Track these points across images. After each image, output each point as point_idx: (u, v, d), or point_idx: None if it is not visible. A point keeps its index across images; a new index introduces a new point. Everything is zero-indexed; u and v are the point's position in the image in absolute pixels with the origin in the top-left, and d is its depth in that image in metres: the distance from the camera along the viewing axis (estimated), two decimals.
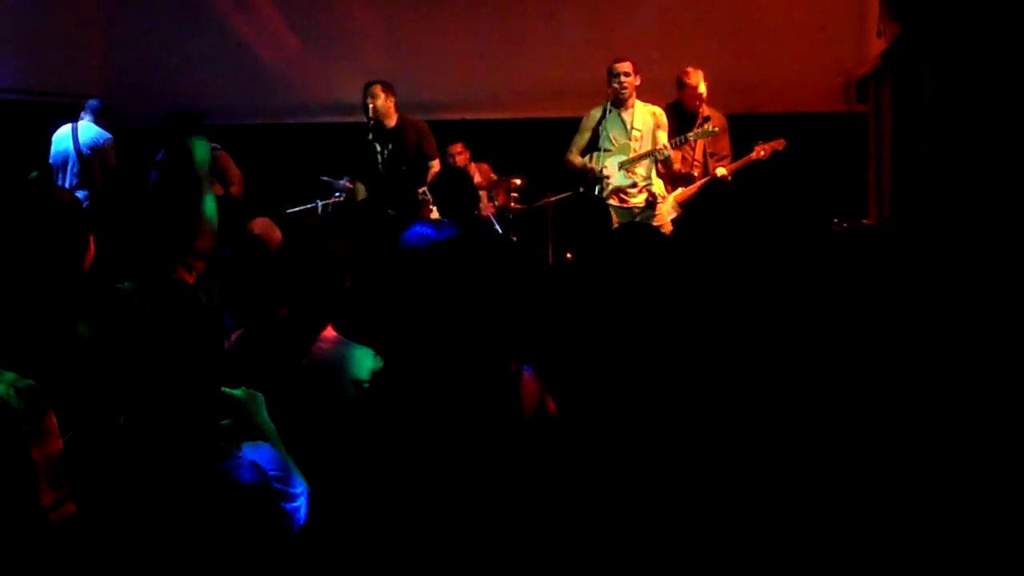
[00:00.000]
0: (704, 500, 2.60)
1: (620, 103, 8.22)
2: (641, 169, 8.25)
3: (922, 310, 3.37)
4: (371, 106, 8.12)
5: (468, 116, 10.46)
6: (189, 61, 10.98)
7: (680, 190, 8.57)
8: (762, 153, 8.40)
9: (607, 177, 8.21)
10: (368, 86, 8.23)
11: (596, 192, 8.11)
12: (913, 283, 3.64)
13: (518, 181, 9.64)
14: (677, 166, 8.36)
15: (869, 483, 2.52)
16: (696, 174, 8.56)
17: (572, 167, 8.42)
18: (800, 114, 9.27)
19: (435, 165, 8.23)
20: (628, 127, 8.24)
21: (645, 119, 8.26)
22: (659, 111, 8.31)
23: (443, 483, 2.69)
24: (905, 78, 7.86)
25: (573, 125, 8.77)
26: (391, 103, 8.23)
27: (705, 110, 8.55)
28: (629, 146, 8.22)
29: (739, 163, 8.46)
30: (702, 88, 8.48)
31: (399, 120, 8.25)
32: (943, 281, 3.61)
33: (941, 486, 2.48)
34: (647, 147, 8.20)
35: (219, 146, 8.59)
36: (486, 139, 10.28)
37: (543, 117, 10.26)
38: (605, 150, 8.24)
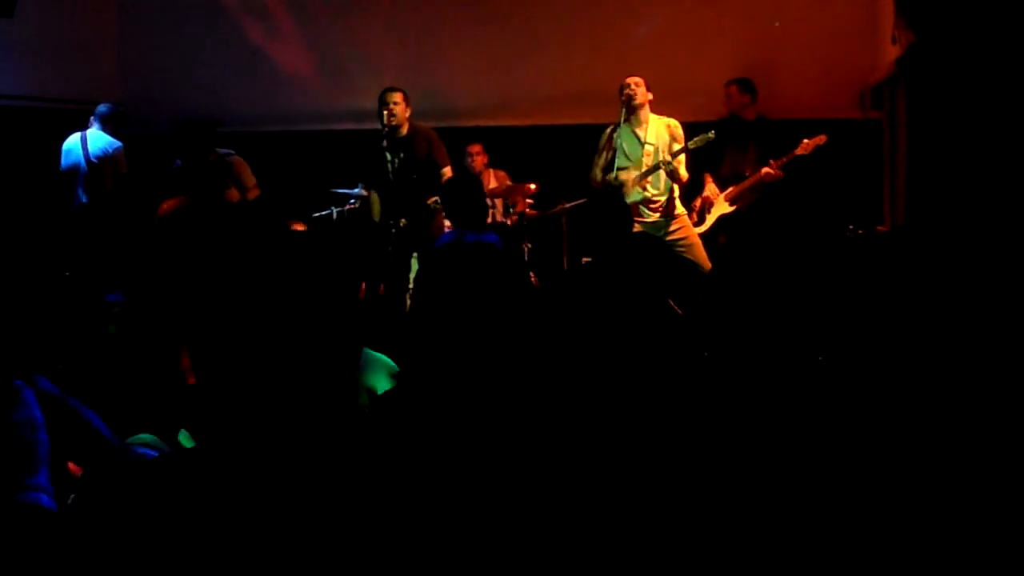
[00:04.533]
0: (716, 506, 2.60)
1: (631, 113, 8.24)
2: (656, 182, 8.26)
3: (936, 317, 3.37)
4: (390, 112, 8.14)
5: (482, 123, 10.46)
6: (203, 68, 11.01)
7: (731, 188, 8.72)
8: (805, 149, 8.50)
9: (623, 193, 8.24)
10: (389, 92, 8.24)
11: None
12: (927, 290, 3.65)
13: (533, 187, 9.65)
14: (685, 176, 8.38)
15: (882, 488, 2.53)
16: (747, 173, 8.72)
17: (596, 186, 8.45)
18: (814, 120, 9.25)
19: (447, 172, 8.25)
20: (641, 141, 8.26)
21: (659, 133, 8.29)
22: (674, 123, 8.36)
23: (462, 489, 2.69)
24: (919, 85, 7.85)
25: (587, 132, 8.79)
26: (408, 112, 8.28)
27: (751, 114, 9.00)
28: (642, 161, 8.26)
29: (784, 159, 8.56)
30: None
31: (410, 128, 8.29)
32: (957, 288, 3.61)
33: (955, 492, 2.48)
34: (657, 156, 8.24)
35: (233, 151, 8.62)
36: (501, 146, 10.29)
37: (557, 124, 10.27)
38: (619, 168, 8.27)
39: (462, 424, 2.77)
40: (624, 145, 8.30)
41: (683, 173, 8.30)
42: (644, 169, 8.21)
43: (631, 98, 8.21)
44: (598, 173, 8.42)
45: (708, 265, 8.21)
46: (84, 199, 8.98)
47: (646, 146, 8.24)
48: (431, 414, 2.82)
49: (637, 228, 8.07)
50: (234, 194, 8.38)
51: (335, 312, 4.04)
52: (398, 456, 2.78)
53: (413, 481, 2.72)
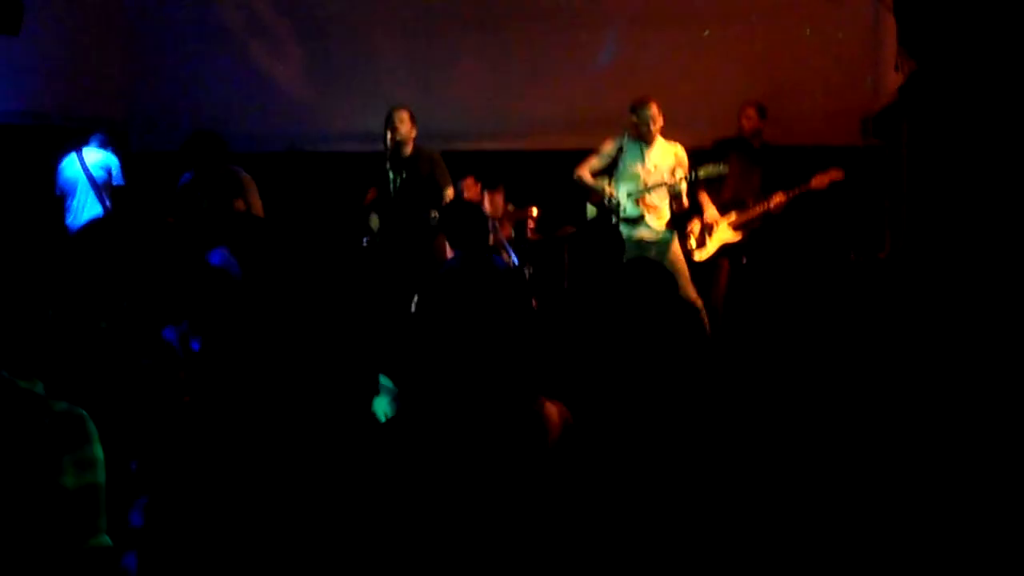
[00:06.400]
0: (718, 522, 2.60)
1: (647, 140, 8.23)
2: (655, 199, 8.23)
3: (935, 341, 3.37)
4: (396, 131, 8.15)
5: (486, 146, 10.47)
6: (207, 88, 11.04)
7: (733, 214, 8.63)
8: (820, 184, 8.42)
9: (618, 204, 8.23)
10: (396, 111, 8.24)
11: (613, 218, 8.15)
12: (927, 316, 3.65)
13: (534, 211, 9.66)
14: (685, 204, 8.36)
15: (882, 500, 2.53)
16: (749, 202, 8.61)
17: (579, 181, 8.42)
18: (816, 147, 9.27)
19: (449, 194, 8.26)
20: (645, 159, 8.24)
21: (665, 155, 8.29)
22: (681, 151, 8.33)
23: (463, 511, 2.69)
24: (921, 113, 7.87)
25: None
26: (414, 132, 8.29)
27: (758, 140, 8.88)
28: (639, 178, 8.25)
29: (794, 191, 8.47)
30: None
31: (415, 149, 8.30)
32: (957, 314, 3.61)
33: (951, 501, 2.49)
34: (657, 177, 8.21)
35: (243, 170, 8.63)
36: (503, 169, 10.28)
37: (561, 149, 10.29)
38: (619, 179, 8.28)
39: (468, 447, 2.77)
40: (627, 159, 8.28)
41: (684, 201, 8.30)
42: (641, 187, 8.19)
43: (648, 133, 8.19)
44: (585, 173, 8.38)
45: (691, 292, 8.17)
46: (98, 210, 9.10)
47: (648, 164, 8.23)
48: (437, 434, 2.82)
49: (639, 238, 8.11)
50: (240, 204, 8.35)
51: (355, 335, 4.04)
52: (409, 472, 2.78)
53: (425, 497, 2.72)
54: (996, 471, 2.67)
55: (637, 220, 8.26)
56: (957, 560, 2.43)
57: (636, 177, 8.25)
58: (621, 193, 8.28)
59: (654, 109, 8.22)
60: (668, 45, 10.29)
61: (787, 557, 2.50)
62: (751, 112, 8.85)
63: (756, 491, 2.65)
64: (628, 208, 8.26)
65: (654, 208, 8.26)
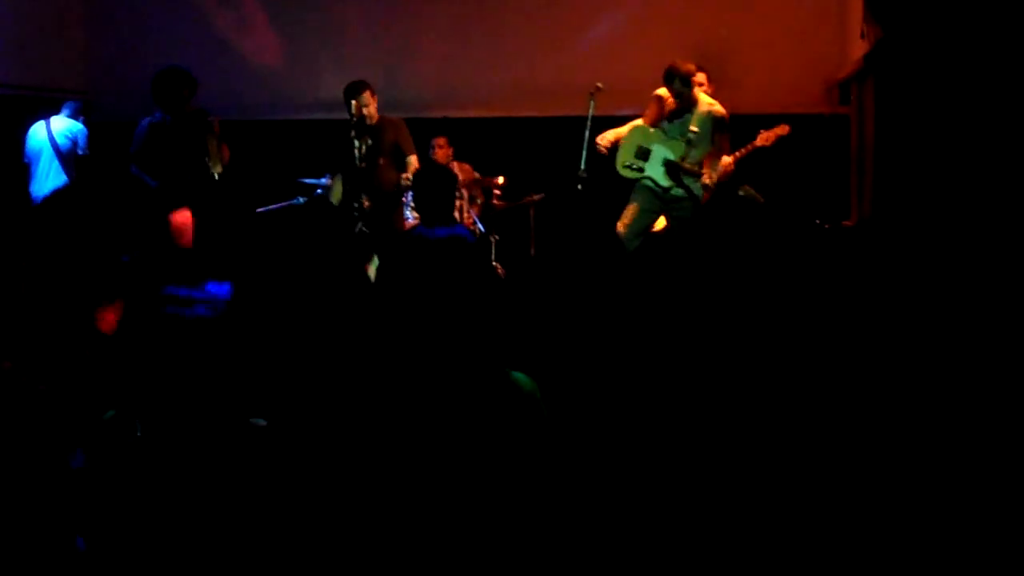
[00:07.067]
0: (686, 497, 2.60)
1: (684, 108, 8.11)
2: (689, 179, 7.99)
3: (900, 309, 3.38)
4: (365, 110, 8.08)
5: (451, 114, 10.43)
6: (171, 57, 10.93)
7: None
8: (766, 140, 8.33)
9: (645, 158, 8.08)
10: (357, 93, 8.13)
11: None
12: (892, 283, 3.66)
13: (500, 180, 9.63)
14: (707, 179, 8.18)
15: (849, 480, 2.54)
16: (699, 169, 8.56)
17: (598, 144, 8.23)
18: (782, 115, 9.25)
19: (413, 161, 8.23)
20: (685, 126, 8.06)
21: (703, 120, 8.04)
22: (719, 112, 8.08)
23: (434, 479, 2.68)
24: (887, 81, 7.88)
25: (556, 124, 8.80)
26: (376, 102, 8.24)
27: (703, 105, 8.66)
28: (681, 145, 8.04)
29: (742, 151, 8.40)
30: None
31: (380, 117, 8.26)
32: (921, 281, 3.62)
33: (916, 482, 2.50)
34: (700, 148, 8.02)
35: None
36: (468, 137, 10.25)
37: (526, 116, 10.27)
38: (659, 135, 8.12)
39: (433, 418, 2.76)
40: (668, 124, 8.13)
41: (710, 180, 8.14)
42: (685, 159, 7.99)
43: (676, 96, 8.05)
44: (610, 135, 8.26)
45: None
46: (62, 179, 9.12)
47: (690, 133, 7.99)
48: (402, 405, 2.80)
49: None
50: (212, 141, 8.29)
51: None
52: (375, 451, 2.76)
53: (390, 474, 2.71)
54: (963, 437, 2.68)
55: (667, 188, 8.09)
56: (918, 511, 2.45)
57: (677, 146, 8.05)
58: (656, 151, 8.09)
59: (675, 81, 8.04)
60: (631, 14, 10.27)
61: (756, 525, 2.51)
62: (704, 79, 8.74)
63: (724, 458, 2.65)
64: (659, 174, 8.04)
65: (692, 182, 8.03)
